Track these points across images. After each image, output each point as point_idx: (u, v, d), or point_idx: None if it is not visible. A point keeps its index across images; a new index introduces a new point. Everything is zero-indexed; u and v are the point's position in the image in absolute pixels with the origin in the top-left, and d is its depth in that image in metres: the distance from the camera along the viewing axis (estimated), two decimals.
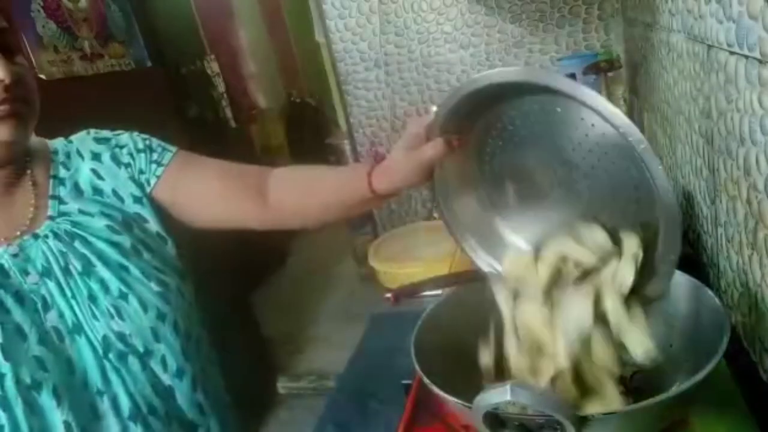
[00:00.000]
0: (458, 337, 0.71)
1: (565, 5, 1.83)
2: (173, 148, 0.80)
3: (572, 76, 1.42)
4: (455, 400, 0.52)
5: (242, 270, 2.49)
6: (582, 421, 0.46)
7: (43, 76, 1.55)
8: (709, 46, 0.72)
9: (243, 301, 2.47)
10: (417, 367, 0.59)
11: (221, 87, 3.46)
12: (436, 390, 0.55)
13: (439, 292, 0.78)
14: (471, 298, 0.75)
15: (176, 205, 0.78)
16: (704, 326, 0.59)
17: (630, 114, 1.64)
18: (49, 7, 1.59)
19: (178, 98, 2.20)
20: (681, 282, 0.65)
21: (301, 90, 4.54)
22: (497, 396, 0.46)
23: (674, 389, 0.51)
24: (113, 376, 0.67)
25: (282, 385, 2.58)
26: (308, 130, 4.35)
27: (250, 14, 4.16)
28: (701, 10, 0.74)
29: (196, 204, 0.79)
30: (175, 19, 3.11)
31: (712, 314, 0.57)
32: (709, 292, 0.60)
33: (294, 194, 0.79)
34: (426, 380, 0.56)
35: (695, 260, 0.98)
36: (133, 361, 0.68)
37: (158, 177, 0.77)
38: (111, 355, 0.67)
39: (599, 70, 1.51)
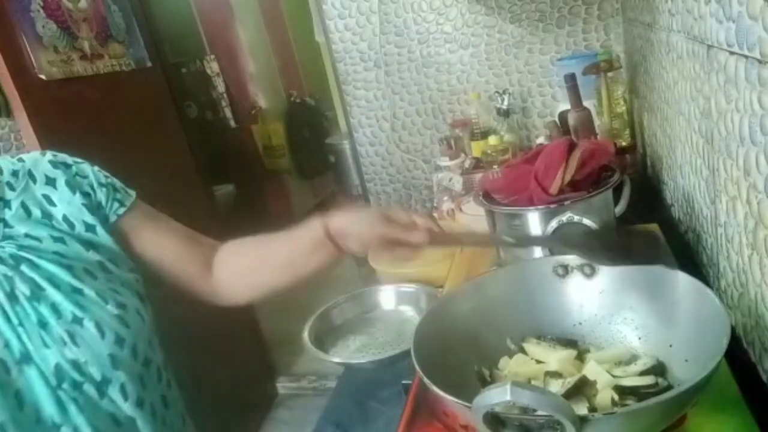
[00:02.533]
0: (458, 337, 0.71)
1: (565, 5, 1.83)
2: (133, 193, 0.79)
3: (572, 76, 1.41)
4: (455, 400, 0.52)
5: None
6: (582, 421, 0.46)
7: (43, 76, 1.55)
8: (709, 46, 0.72)
9: None
10: (417, 367, 0.59)
11: (221, 87, 3.46)
12: (436, 390, 0.55)
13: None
14: (471, 298, 0.75)
15: (124, 246, 0.76)
16: (704, 326, 0.59)
17: (630, 114, 1.64)
18: (49, 7, 1.59)
19: (178, 98, 2.19)
20: (681, 282, 0.65)
21: (301, 90, 4.54)
22: (497, 396, 0.46)
23: (674, 389, 0.51)
24: (71, 407, 0.62)
25: (282, 385, 2.58)
26: (308, 130, 4.35)
27: (250, 14, 4.16)
28: (701, 10, 0.74)
29: (145, 256, 0.78)
30: (175, 19, 3.12)
31: (712, 314, 0.57)
32: (709, 292, 0.60)
33: (242, 267, 0.82)
34: (426, 380, 0.56)
35: (695, 260, 0.98)
36: (90, 390, 0.64)
37: (118, 216, 0.76)
38: (65, 385, 0.62)
39: (599, 70, 1.51)
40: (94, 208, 0.73)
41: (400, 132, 2.14)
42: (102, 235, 0.72)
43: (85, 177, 0.75)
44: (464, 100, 2.02)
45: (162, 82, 2.07)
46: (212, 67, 3.42)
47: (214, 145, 3.16)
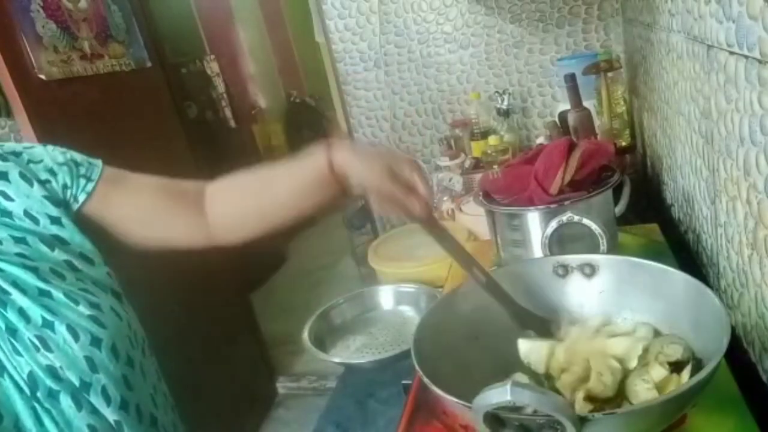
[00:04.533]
0: (458, 337, 0.71)
1: (565, 5, 1.83)
2: (99, 162, 0.74)
3: (572, 76, 1.41)
4: (455, 400, 0.52)
5: (242, 270, 2.48)
6: (582, 421, 0.46)
7: (43, 76, 1.55)
8: (709, 47, 0.72)
9: (243, 301, 2.47)
10: (417, 367, 0.59)
11: (221, 87, 3.46)
12: (436, 390, 0.55)
13: None
14: (471, 298, 0.75)
15: (107, 222, 0.72)
16: (704, 326, 0.59)
17: (630, 114, 1.64)
18: (49, 7, 1.59)
19: (178, 98, 2.19)
20: (681, 282, 0.65)
21: (301, 90, 4.54)
22: (497, 396, 0.46)
23: (674, 389, 0.51)
24: (46, 419, 0.59)
25: (282, 385, 2.58)
26: (308, 130, 4.35)
27: (250, 14, 4.16)
28: (701, 11, 0.74)
29: (128, 222, 0.74)
30: (175, 19, 3.12)
31: (712, 314, 0.57)
32: (709, 292, 0.60)
33: (237, 202, 0.76)
34: (426, 380, 0.56)
35: (695, 260, 0.98)
36: (66, 401, 0.60)
37: (88, 193, 0.70)
38: (39, 395, 0.58)
39: (599, 70, 1.51)
40: (58, 194, 0.69)
41: (400, 132, 2.14)
42: (69, 227, 0.68)
43: (39, 161, 0.69)
44: (464, 100, 2.02)
45: (162, 82, 2.07)
46: (212, 67, 3.42)
47: (214, 145, 3.15)
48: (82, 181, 0.71)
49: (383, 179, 0.64)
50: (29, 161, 0.69)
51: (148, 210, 0.75)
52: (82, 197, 0.70)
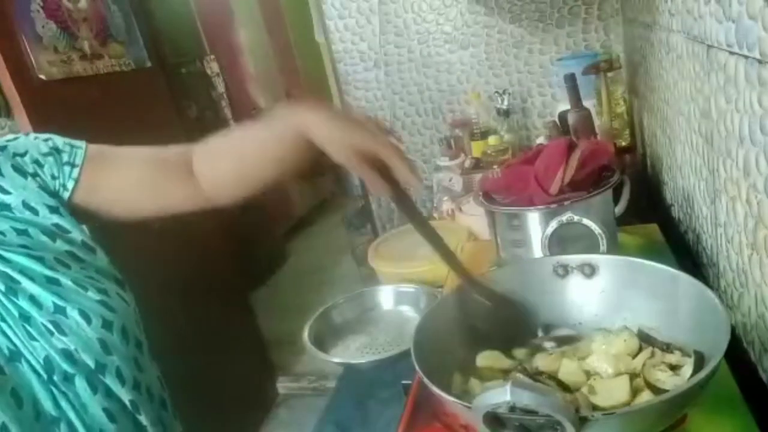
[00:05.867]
0: (458, 337, 0.71)
1: (565, 5, 1.83)
2: (81, 144, 0.72)
3: (572, 76, 1.41)
4: (455, 400, 0.52)
5: (242, 270, 2.49)
6: (582, 421, 0.46)
7: (43, 76, 1.55)
8: (709, 47, 0.72)
9: (243, 301, 2.47)
10: (417, 367, 0.59)
11: (221, 87, 3.46)
12: (436, 390, 0.55)
13: None
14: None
15: (101, 204, 0.72)
16: (704, 326, 0.59)
17: (630, 114, 1.64)
18: (49, 7, 1.59)
19: (178, 98, 2.20)
20: (681, 282, 0.65)
21: (301, 90, 4.54)
22: (497, 396, 0.46)
23: (674, 389, 0.51)
24: (63, 402, 0.60)
25: (282, 385, 2.58)
26: None
27: (250, 14, 4.16)
28: (701, 11, 0.74)
29: (122, 198, 0.73)
30: (175, 19, 3.11)
31: (712, 314, 0.57)
32: (710, 292, 0.60)
33: (218, 164, 0.75)
34: (426, 380, 0.56)
35: (695, 260, 0.98)
36: (81, 384, 0.61)
37: (75, 180, 0.70)
38: (56, 378, 0.60)
39: (599, 70, 1.51)
40: (49, 185, 0.68)
41: (400, 132, 2.14)
42: (67, 216, 0.68)
43: (24, 153, 0.68)
44: (464, 100, 2.02)
45: (162, 82, 2.07)
46: (212, 67, 3.42)
47: None
48: (67, 168, 0.70)
49: (349, 154, 0.62)
50: (15, 154, 0.68)
51: (140, 183, 0.74)
52: (70, 184, 0.70)
